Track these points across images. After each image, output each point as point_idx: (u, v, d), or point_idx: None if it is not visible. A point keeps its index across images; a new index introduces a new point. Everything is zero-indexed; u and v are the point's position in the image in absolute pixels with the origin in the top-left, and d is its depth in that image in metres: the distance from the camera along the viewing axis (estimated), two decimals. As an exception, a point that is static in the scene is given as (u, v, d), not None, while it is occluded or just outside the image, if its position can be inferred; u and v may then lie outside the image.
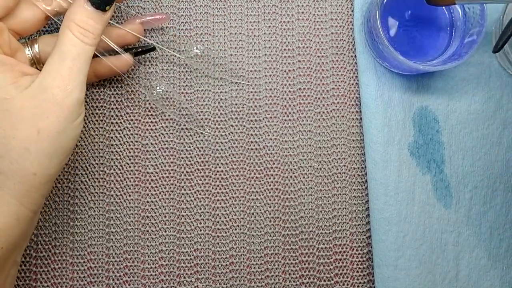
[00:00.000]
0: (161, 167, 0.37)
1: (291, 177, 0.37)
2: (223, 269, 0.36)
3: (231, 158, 0.37)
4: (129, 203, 0.37)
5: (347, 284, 0.37)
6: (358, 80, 0.38)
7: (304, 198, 0.37)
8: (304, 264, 0.37)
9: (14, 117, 0.26)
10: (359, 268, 0.37)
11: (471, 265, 0.36)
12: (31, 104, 0.26)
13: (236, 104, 0.37)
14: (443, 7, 0.36)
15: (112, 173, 0.37)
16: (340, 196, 0.37)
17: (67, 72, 0.27)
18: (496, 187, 0.37)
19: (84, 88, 0.29)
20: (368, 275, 0.37)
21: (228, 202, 0.37)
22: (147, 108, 0.37)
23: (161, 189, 0.37)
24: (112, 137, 0.37)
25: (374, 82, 0.36)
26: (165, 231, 0.36)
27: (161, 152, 0.37)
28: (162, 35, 0.37)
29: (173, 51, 0.37)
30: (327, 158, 0.37)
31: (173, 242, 0.36)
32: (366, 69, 0.36)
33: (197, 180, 0.37)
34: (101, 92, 0.37)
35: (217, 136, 0.37)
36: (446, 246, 0.36)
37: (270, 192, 0.37)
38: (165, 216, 0.37)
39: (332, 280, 0.37)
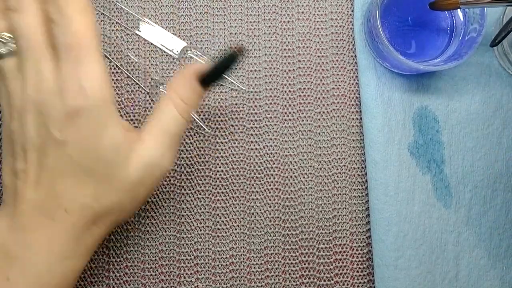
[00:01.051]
0: (161, 167, 0.37)
1: (291, 177, 0.37)
2: (223, 269, 0.36)
3: (231, 158, 0.37)
4: (129, 203, 0.37)
5: (347, 284, 0.37)
6: (358, 80, 0.38)
7: (304, 198, 0.37)
8: (304, 264, 0.37)
9: (119, 185, 0.28)
10: (359, 268, 0.37)
11: (471, 265, 0.36)
12: (134, 177, 0.28)
13: (236, 104, 0.37)
14: (443, 7, 0.36)
15: (112, 173, 0.37)
16: (340, 196, 0.37)
17: (167, 149, 0.29)
18: (496, 187, 0.37)
19: (175, 159, 0.31)
20: (368, 275, 0.37)
21: (228, 202, 0.37)
22: (147, 108, 0.37)
23: (161, 189, 0.37)
24: (112, 137, 0.37)
25: (374, 82, 0.36)
26: (165, 231, 0.36)
27: (161, 152, 0.37)
28: (162, 34, 0.37)
29: (169, 51, 0.37)
30: (327, 158, 0.37)
31: (173, 242, 0.36)
32: (366, 69, 0.36)
33: (197, 180, 0.37)
34: (101, 92, 0.37)
35: (217, 136, 0.37)
36: (446, 246, 0.36)
37: (270, 192, 0.37)
38: (165, 216, 0.37)
39: (332, 280, 0.37)
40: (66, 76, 0.26)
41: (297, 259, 0.37)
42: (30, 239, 0.27)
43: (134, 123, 0.37)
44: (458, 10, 0.36)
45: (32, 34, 0.26)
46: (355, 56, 0.38)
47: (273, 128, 0.37)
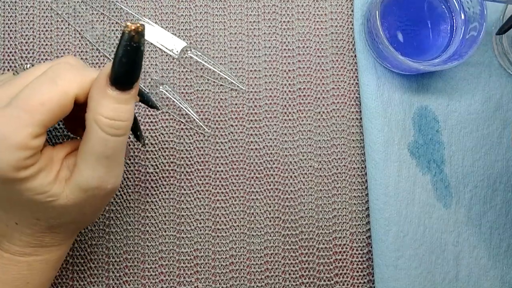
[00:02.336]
0: (161, 167, 0.37)
1: (291, 177, 0.37)
2: (223, 269, 0.36)
3: (231, 158, 0.37)
4: (129, 203, 0.37)
5: (347, 284, 0.37)
6: (358, 80, 0.37)
7: (304, 198, 0.37)
8: (304, 264, 0.37)
9: (59, 210, 0.26)
10: (359, 268, 0.37)
11: (471, 265, 0.36)
12: (73, 202, 0.26)
13: (236, 104, 0.37)
14: (443, 6, 0.36)
15: (112, 173, 0.37)
16: (340, 196, 0.37)
17: (103, 172, 0.26)
18: (496, 187, 0.37)
19: (122, 170, 0.28)
20: (368, 275, 0.37)
21: (228, 202, 0.37)
22: (147, 108, 0.37)
23: (161, 189, 0.37)
24: (112, 137, 0.37)
25: (374, 82, 0.36)
26: (165, 231, 0.36)
27: (161, 152, 0.37)
28: (161, 34, 0.37)
29: (169, 51, 0.37)
30: (327, 158, 0.37)
31: (173, 242, 0.36)
32: (366, 69, 0.36)
33: (197, 180, 0.37)
34: (101, 92, 0.37)
35: (217, 136, 0.37)
36: (446, 246, 0.36)
37: (270, 192, 0.37)
38: (165, 216, 0.37)
39: (332, 280, 0.37)
40: None
41: (297, 259, 0.37)
42: None
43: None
44: (458, 10, 0.36)
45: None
46: (355, 56, 0.38)
47: (273, 128, 0.37)
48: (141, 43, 0.24)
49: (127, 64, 0.24)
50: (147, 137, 0.37)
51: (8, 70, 0.37)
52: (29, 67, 0.28)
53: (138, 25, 0.23)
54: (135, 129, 0.31)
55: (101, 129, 0.24)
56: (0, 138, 0.23)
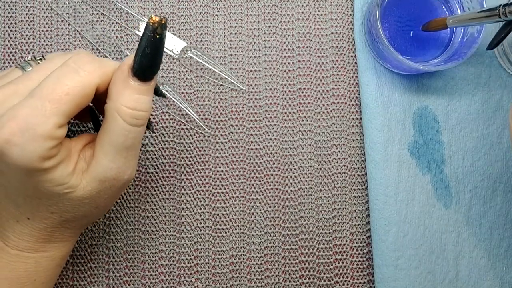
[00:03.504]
0: (161, 167, 0.37)
1: (291, 177, 0.37)
2: (223, 269, 0.36)
3: (231, 158, 0.37)
4: (129, 203, 0.37)
5: (347, 284, 0.37)
6: (358, 80, 0.37)
7: (304, 198, 0.37)
8: (304, 264, 0.37)
9: (75, 203, 0.27)
10: (359, 268, 0.37)
11: (471, 265, 0.36)
12: (90, 194, 0.27)
13: (236, 104, 0.37)
14: (443, 6, 0.36)
15: (112, 173, 0.37)
16: (340, 196, 0.37)
17: (122, 163, 0.26)
18: (496, 187, 0.37)
19: (136, 166, 0.28)
20: (368, 275, 0.37)
21: (228, 202, 0.37)
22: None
23: (161, 189, 0.37)
24: (112, 137, 0.37)
25: (374, 82, 0.36)
26: (165, 231, 0.36)
27: (161, 152, 0.37)
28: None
29: (169, 51, 0.37)
30: (327, 158, 0.37)
31: (173, 242, 0.36)
32: (366, 69, 0.36)
33: (197, 180, 0.37)
34: (101, 92, 0.37)
35: (217, 136, 0.37)
36: (446, 246, 0.36)
37: (270, 192, 0.37)
38: (165, 216, 0.37)
39: (332, 280, 0.37)
40: (20, 109, 0.24)
41: (297, 259, 0.37)
42: None
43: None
44: (458, 11, 0.36)
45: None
46: (355, 56, 0.38)
47: (273, 128, 0.37)
48: (164, 35, 0.25)
49: (150, 55, 0.25)
50: (147, 137, 0.37)
51: (8, 70, 0.37)
52: (41, 59, 0.29)
53: (162, 17, 0.24)
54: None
55: (123, 119, 0.25)
56: (27, 129, 0.23)
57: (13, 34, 0.37)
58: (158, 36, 0.25)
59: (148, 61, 0.25)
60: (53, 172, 0.25)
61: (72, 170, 0.26)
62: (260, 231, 0.37)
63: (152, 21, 0.24)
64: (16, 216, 0.27)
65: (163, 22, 0.24)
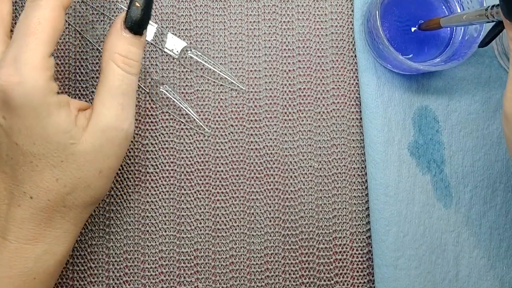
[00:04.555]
0: (161, 167, 0.37)
1: (291, 177, 0.37)
2: (223, 269, 0.36)
3: (231, 158, 0.37)
4: (129, 203, 0.37)
5: (347, 284, 0.37)
6: (358, 80, 0.38)
7: (304, 198, 0.37)
8: (304, 264, 0.37)
9: (79, 160, 0.28)
10: (359, 268, 0.37)
11: (471, 265, 0.36)
12: (93, 147, 0.28)
13: (236, 104, 0.37)
14: (443, 6, 0.36)
15: (112, 173, 0.37)
16: (340, 196, 0.37)
17: (120, 110, 0.28)
18: (496, 187, 0.37)
19: (134, 116, 0.29)
20: (368, 275, 0.37)
21: (228, 202, 0.37)
22: (147, 108, 0.37)
23: (161, 189, 0.37)
24: (112, 137, 0.37)
25: (374, 82, 0.36)
26: (165, 231, 0.36)
27: (161, 152, 0.37)
28: (161, 34, 0.37)
29: (169, 51, 0.37)
30: (327, 158, 0.37)
31: (173, 242, 0.36)
32: (366, 69, 0.36)
33: (197, 180, 0.37)
34: (101, 92, 0.37)
35: (217, 136, 0.37)
36: (446, 246, 0.36)
37: (270, 192, 0.37)
38: (165, 216, 0.37)
39: (332, 280, 0.37)
40: (6, 56, 0.26)
41: (297, 259, 0.37)
42: None
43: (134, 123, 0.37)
44: (458, 10, 0.36)
45: None
46: (355, 56, 0.38)
47: (273, 128, 0.37)
48: None
49: (141, 9, 0.28)
50: (147, 137, 0.37)
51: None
52: None
53: None
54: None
55: (117, 65, 0.28)
56: (22, 64, 0.25)
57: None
58: None
59: (139, 15, 0.28)
60: (57, 113, 0.27)
61: (74, 119, 0.27)
62: (260, 231, 0.37)
63: None
64: (18, 198, 0.27)
65: None
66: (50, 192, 0.28)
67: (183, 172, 0.37)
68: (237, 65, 0.38)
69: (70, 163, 0.27)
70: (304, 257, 0.37)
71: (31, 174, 0.27)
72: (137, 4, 0.28)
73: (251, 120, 0.37)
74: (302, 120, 0.37)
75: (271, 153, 0.37)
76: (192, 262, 0.36)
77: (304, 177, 0.37)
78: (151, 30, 0.37)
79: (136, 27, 0.28)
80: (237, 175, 0.37)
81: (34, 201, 0.28)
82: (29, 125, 0.26)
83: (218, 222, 0.37)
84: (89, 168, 0.28)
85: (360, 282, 0.37)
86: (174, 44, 0.37)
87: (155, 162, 0.37)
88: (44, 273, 0.29)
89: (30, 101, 0.26)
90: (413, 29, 0.36)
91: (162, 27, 0.37)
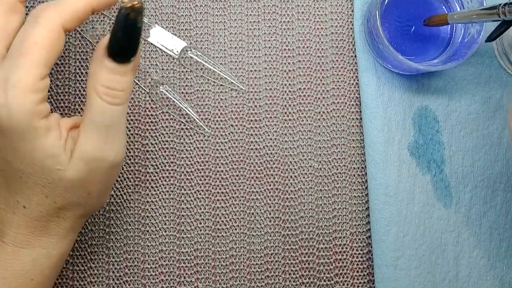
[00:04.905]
0: (161, 167, 0.37)
1: (291, 177, 0.37)
2: (223, 269, 0.36)
3: (231, 158, 0.37)
4: (129, 203, 0.37)
5: (347, 284, 0.37)
6: (358, 80, 0.38)
7: (304, 198, 0.37)
8: (304, 264, 0.37)
9: (66, 185, 0.27)
10: (359, 268, 0.37)
11: (471, 265, 0.36)
12: (78, 176, 0.27)
13: (236, 104, 0.37)
14: (443, 6, 0.36)
15: (112, 173, 0.37)
16: (340, 196, 0.37)
17: (102, 143, 0.27)
18: (496, 187, 0.37)
19: (124, 144, 0.28)
20: (368, 275, 0.37)
21: (228, 202, 0.37)
22: (147, 108, 0.37)
23: (161, 189, 0.37)
24: (112, 137, 0.37)
25: (374, 82, 0.36)
26: (165, 231, 0.36)
27: (161, 152, 0.37)
28: (161, 34, 0.37)
29: (169, 51, 0.37)
30: (327, 158, 0.37)
31: (173, 242, 0.36)
32: (366, 69, 0.36)
33: (197, 180, 0.37)
34: (101, 92, 0.37)
35: (217, 136, 0.37)
36: (446, 246, 0.36)
37: (270, 192, 0.37)
38: (165, 216, 0.37)
39: (332, 280, 0.37)
40: None
41: (297, 259, 0.37)
42: None
43: (134, 123, 0.37)
44: (458, 10, 0.36)
45: None
46: (355, 56, 0.38)
47: (273, 128, 0.37)
48: (138, 20, 0.24)
49: (123, 39, 0.24)
50: (147, 137, 0.37)
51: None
52: None
53: (135, 2, 0.24)
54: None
55: (99, 97, 0.25)
56: (11, 86, 0.24)
57: (13, 34, 0.37)
58: (130, 22, 0.24)
59: (121, 45, 0.25)
60: (45, 137, 0.25)
61: (63, 144, 0.26)
62: (260, 231, 0.37)
63: (124, 5, 0.24)
64: (13, 206, 0.27)
65: (136, 6, 0.24)
66: (42, 206, 0.28)
67: (183, 172, 0.37)
68: (237, 65, 0.38)
69: (57, 185, 0.27)
70: (304, 257, 0.37)
71: (22, 187, 0.27)
72: (119, 35, 0.24)
73: (251, 120, 0.37)
74: (302, 120, 0.37)
75: (271, 153, 0.37)
76: (192, 262, 0.36)
77: (304, 177, 0.37)
78: (147, 29, 0.37)
79: (121, 55, 0.25)
80: (237, 175, 0.37)
81: (27, 210, 0.28)
82: (16, 146, 0.26)
83: (218, 222, 0.37)
84: (78, 191, 0.28)
85: (360, 282, 0.37)
86: (174, 44, 0.37)
87: (155, 162, 0.37)
88: (40, 275, 0.29)
89: (15, 124, 0.24)
90: (411, 33, 0.36)
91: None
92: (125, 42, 0.25)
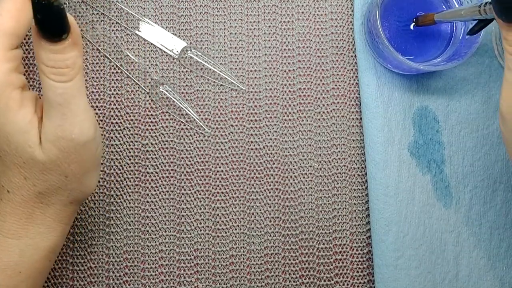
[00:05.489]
0: (161, 167, 0.37)
1: (291, 177, 0.37)
2: (223, 269, 0.36)
3: (231, 158, 0.37)
4: (129, 203, 0.37)
5: (347, 284, 0.37)
6: (358, 80, 0.38)
7: (304, 198, 0.37)
8: (304, 264, 0.37)
9: (40, 166, 0.27)
10: (359, 268, 0.37)
11: (471, 265, 0.36)
12: (48, 157, 0.27)
13: (236, 104, 0.37)
14: (443, 6, 0.36)
15: (112, 173, 0.37)
16: (340, 196, 0.37)
17: (60, 120, 0.26)
18: (496, 187, 0.37)
19: (90, 121, 0.27)
20: (368, 275, 0.37)
21: (228, 202, 0.37)
22: (147, 108, 0.37)
23: (161, 189, 0.37)
24: (112, 137, 0.37)
25: (374, 82, 0.36)
26: (165, 231, 0.36)
27: (161, 152, 0.37)
28: (161, 34, 0.37)
29: (169, 51, 0.37)
30: (327, 158, 0.37)
31: (173, 242, 0.36)
32: (366, 69, 0.36)
33: (197, 180, 0.37)
34: (101, 92, 0.37)
35: (217, 136, 0.37)
36: (446, 246, 0.36)
37: (270, 192, 0.37)
38: (165, 216, 0.37)
39: (332, 280, 0.37)
40: None
41: (297, 259, 0.37)
42: None
43: (134, 123, 0.37)
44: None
45: None
46: (355, 56, 0.38)
47: (273, 128, 0.37)
48: (50, 1, 0.23)
49: (44, 20, 0.24)
50: (147, 137, 0.37)
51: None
52: None
53: None
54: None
55: (46, 76, 0.25)
56: None
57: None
58: (44, 2, 0.23)
59: (45, 26, 0.24)
60: (17, 110, 0.26)
61: (35, 121, 0.27)
62: (260, 231, 0.37)
63: None
64: None
65: None
66: (22, 188, 0.28)
67: (183, 172, 0.37)
68: (237, 65, 0.38)
69: (32, 166, 0.27)
70: (304, 257, 0.37)
71: (3, 168, 0.27)
72: (38, 16, 0.24)
73: (251, 120, 0.37)
74: (302, 120, 0.37)
75: (271, 153, 0.37)
76: (192, 262, 0.36)
77: (304, 177, 0.37)
78: (147, 29, 0.37)
79: (50, 34, 0.24)
80: (237, 175, 0.37)
81: (11, 195, 0.28)
82: None
83: (218, 222, 0.37)
84: (53, 174, 0.27)
85: (360, 282, 0.37)
86: (174, 44, 0.37)
87: (155, 162, 0.37)
88: (30, 268, 0.29)
89: None
90: (411, 33, 0.36)
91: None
92: (48, 22, 0.24)
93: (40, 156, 0.27)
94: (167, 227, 0.36)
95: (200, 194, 0.37)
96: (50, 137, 0.26)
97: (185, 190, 0.37)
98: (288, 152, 0.37)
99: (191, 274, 0.36)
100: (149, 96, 0.37)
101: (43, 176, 0.27)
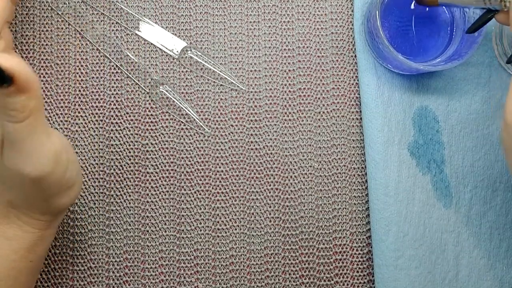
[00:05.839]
0: (161, 167, 0.37)
1: (291, 177, 0.37)
2: (223, 269, 0.36)
3: (231, 158, 0.37)
4: (129, 203, 0.37)
5: (347, 284, 0.37)
6: (358, 80, 0.38)
7: (304, 198, 0.37)
8: (304, 264, 0.37)
9: (4, 183, 0.27)
10: (359, 268, 0.37)
11: (471, 265, 0.36)
12: (10, 180, 0.27)
13: (236, 104, 0.37)
14: (444, 7, 0.36)
15: (112, 173, 0.37)
16: (340, 196, 0.37)
17: (14, 156, 0.26)
18: (496, 187, 0.37)
19: (44, 159, 0.26)
20: (368, 275, 0.37)
21: (228, 202, 0.37)
22: (147, 108, 0.37)
23: (161, 189, 0.37)
24: (112, 137, 0.37)
25: (374, 82, 0.36)
26: (165, 231, 0.36)
27: (161, 152, 0.37)
28: (160, 34, 0.37)
29: (169, 51, 0.37)
30: (327, 158, 0.37)
31: (173, 242, 0.36)
32: (366, 69, 0.36)
33: (197, 180, 0.37)
34: (101, 92, 0.37)
35: (217, 136, 0.37)
36: (446, 246, 0.36)
37: (270, 192, 0.37)
38: (165, 216, 0.37)
39: (332, 280, 0.37)
40: None
41: (297, 259, 0.37)
42: None
43: (134, 123, 0.37)
44: (458, 9, 0.36)
45: None
46: (355, 56, 0.38)
47: (273, 128, 0.37)
48: None
49: None
50: (147, 137, 0.37)
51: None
52: None
53: None
54: None
55: None
56: None
57: (13, 34, 0.37)
58: None
59: None
60: None
61: None
62: (260, 231, 0.37)
63: None
64: None
65: None
66: None
67: (183, 172, 0.37)
68: (237, 65, 0.38)
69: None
70: (304, 257, 0.37)
71: None
72: None
73: (251, 120, 0.37)
74: (302, 120, 0.37)
75: (271, 153, 0.37)
76: (192, 262, 0.36)
77: (304, 177, 0.37)
78: (147, 29, 0.37)
79: None
80: (237, 175, 0.37)
81: None
82: None
83: (218, 222, 0.37)
84: (17, 191, 0.27)
85: (360, 282, 0.37)
86: (174, 44, 0.37)
87: (155, 162, 0.37)
88: (7, 267, 0.29)
89: None
90: (411, 33, 0.36)
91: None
92: None
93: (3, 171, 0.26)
94: (167, 227, 0.36)
95: (200, 194, 0.37)
96: (7, 165, 0.26)
97: (185, 190, 0.37)
98: (288, 152, 0.37)
99: (191, 274, 0.36)
100: (149, 96, 0.37)
101: (8, 188, 0.27)
